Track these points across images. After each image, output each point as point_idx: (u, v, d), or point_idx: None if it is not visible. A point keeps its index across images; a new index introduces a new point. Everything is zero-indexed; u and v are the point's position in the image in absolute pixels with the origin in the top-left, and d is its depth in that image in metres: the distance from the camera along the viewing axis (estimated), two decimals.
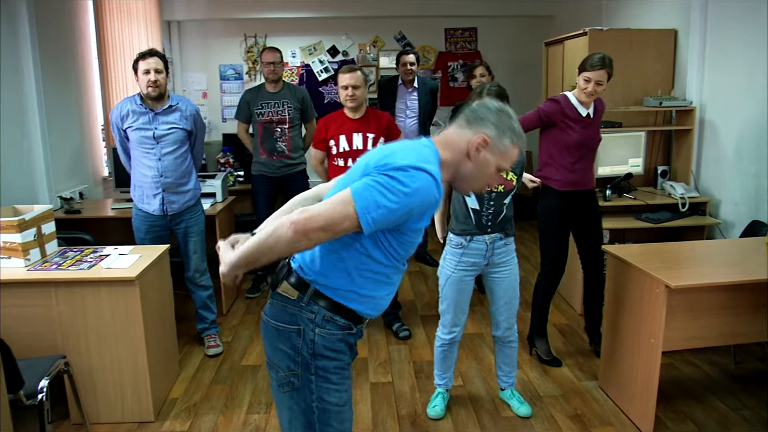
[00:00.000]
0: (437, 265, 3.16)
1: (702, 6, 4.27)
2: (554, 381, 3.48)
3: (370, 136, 3.77)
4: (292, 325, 1.72)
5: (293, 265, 1.77)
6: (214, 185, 4.50)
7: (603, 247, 3.31)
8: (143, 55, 3.51)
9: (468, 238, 2.91)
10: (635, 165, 4.50)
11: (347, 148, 3.79)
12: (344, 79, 3.72)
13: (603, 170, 4.44)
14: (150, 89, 3.51)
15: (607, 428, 3.00)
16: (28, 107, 4.08)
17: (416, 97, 5.23)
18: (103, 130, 5.18)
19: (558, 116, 3.40)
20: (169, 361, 3.47)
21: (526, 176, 3.45)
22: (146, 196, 3.70)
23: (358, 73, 3.74)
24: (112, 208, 4.37)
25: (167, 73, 3.60)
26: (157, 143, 3.59)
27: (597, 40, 4.57)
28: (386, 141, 3.77)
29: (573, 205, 3.53)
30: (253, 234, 1.67)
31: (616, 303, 3.18)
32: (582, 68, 3.33)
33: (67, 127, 4.59)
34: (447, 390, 3.24)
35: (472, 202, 2.88)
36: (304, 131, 4.88)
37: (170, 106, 3.62)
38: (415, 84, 5.23)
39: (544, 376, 3.54)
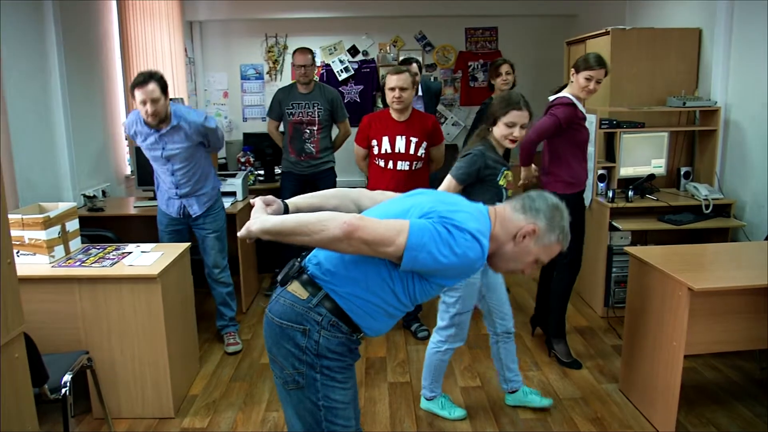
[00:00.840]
0: None
1: (728, 5, 4.21)
2: (574, 383, 3.45)
3: (414, 140, 3.74)
4: (298, 324, 1.72)
5: (308, 266, 1.78)
6: (235, 184, 4.53)
7: (626, 248, 3.29)
8: (138, 83, 3.33)
9: None
10: (658, 166, 4.45)
11: (389, 150, 3.77)
12: (392, 80, 3.66)
13: (625, 171, 4.39)
14: (149, 119, 3.43)
15: None
16: (54, 107, 4.14)
17: (422, 106, 5.17)
18: (125, 130, 5.23)
19: (573, 118, 3.40)
20: (189, 358, 3.50)
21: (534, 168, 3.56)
22: (166, 201, 3.79)
23: (406, 74, 3.66)
24: (135, 206, 4.42)
25: (166, 95, 3.42)
26: (168, 161, 3.63)
27: (620, 39, 4.52)
28: (429, 145, 3.76)
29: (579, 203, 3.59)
30: (285, 205, 1.74)
31: (637, 305, 3.14)
32: (584, 67, 3.37)
33: (90, 126, 4.66)
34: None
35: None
36: (335, 131, 4.90)
37: (173, 127, 3.52)
38: (419, 92, 5.12)
39: (563, 378, 3.51)
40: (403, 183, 3.70)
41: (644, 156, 4.41)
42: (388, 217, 1.65)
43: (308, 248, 1.80)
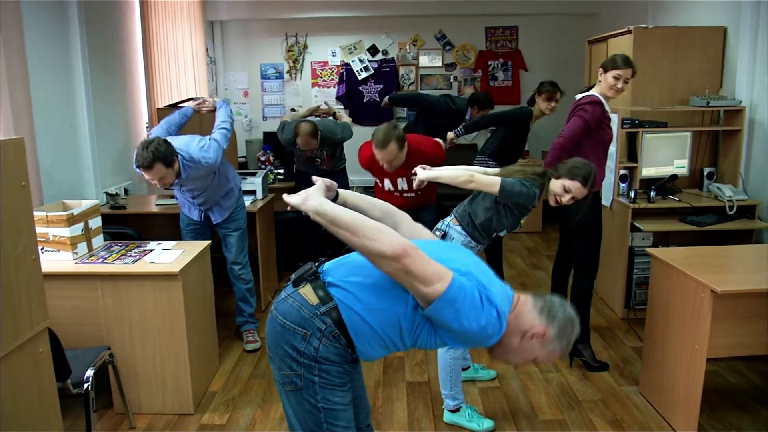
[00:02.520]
0: None
1: (754, 4, 4.13)
2: (594, 385, 3.42)
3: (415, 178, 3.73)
4: (301, 328, 1.72)
5: (326, 273, 1.78)
6: (255, 183, 4.55)
7: (647, 250, 3.26)
8: (143, 167, 3.21)
9: (479, 247, 2.98)
10: (680, 166, 4.39)
11: (391, 188, 3.82)
12: (378, 156, 3.52)
13: (647, 171, 4.34)
14: (160, 187, 3.40)
15: None
16: (78, 106, 4.20)
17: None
18: (147, 128, 5.29)
19: (601, 117, 3.36)
20: (209, 355, 3.53)
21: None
22: (189, 209, 3.85)
23: (392, 144, 3.44)
24: (156, 204, 4.46)
25: (173, 164, 3.28)
26: (186, 192, 3.69)
27: (642, 38, 4.47)
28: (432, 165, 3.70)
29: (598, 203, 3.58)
30: (337, 193, 1.81)
31: (658, 307, 3.10)
32: (612, 66, 3.36)
33: (113, 125, 4.72)
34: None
35: (503, 233, 2.94)
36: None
37: (185, 177, 3.46)
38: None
39: (583, 380, 3.48)
40: (410, 201, 3.80)
41: (667, 156, 4.35)
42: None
43: (330, 251, 1.80)
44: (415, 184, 3.06)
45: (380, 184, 3.88)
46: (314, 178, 1.82)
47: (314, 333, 1.71)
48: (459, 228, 2.93)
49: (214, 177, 3.67)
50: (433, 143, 3.81)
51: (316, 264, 1.81)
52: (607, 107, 3.42)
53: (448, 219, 2.99)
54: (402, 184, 3.78)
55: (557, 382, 3.46)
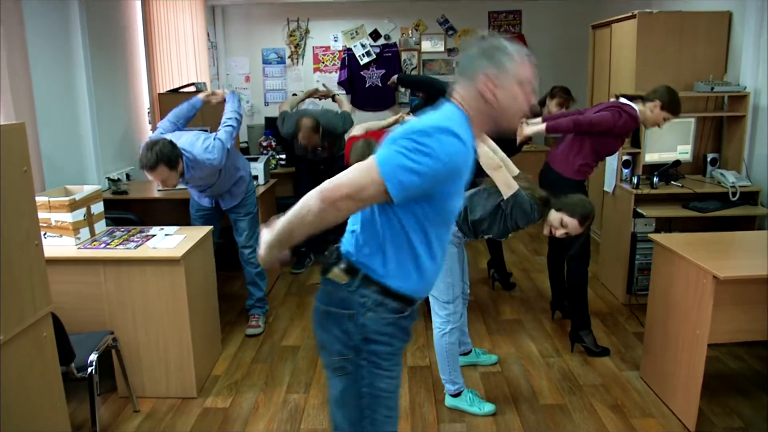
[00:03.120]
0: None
1: None
2: (595, 370, 3.43)
3: None
4: (344, 309, 1.71)
5: (342, 249, 1.76)
6: (257, 168, 4.55)
7: (650, 235, 3.25)
8: (146, 167, 3.19)
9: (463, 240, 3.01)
10: (684, 152, 4.37)
11: None
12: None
13: (650, 157, 4.32)
14: (163, 187, 3.39)
15: (648, 420, 2.95)
16: (78, 91, 4.19)
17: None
18: (149, 112, 5.28)
19: (627, 134, 3.50)
20: (211, 340, 3.54)
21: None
22: (199, 197, 3.86)
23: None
24: (158, 190, 4.44)
25: (176, 166, 3.25)
26: (193, 186, 3.69)
27: (646, 23, 4.43)
28: None
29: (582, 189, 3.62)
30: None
31: (660, 292, 3.11)
32: (670, 110, 3.41)
33: (115, 110, 4.70)
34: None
35: (488, 236, 2.93)
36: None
37: (189, 176, 3.45)
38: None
39: (584, 365, 3.50)
40: None
41: (670, 142, 4.33)
42: None
43: (332, 237, 1.79)
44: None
45: None
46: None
47: (358, 310, 1.69)
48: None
49: (220, 175, 3.66)
50: None
51: (336, 247, 1.79)
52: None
53: None
54: None
55: (558, 367, 3.47)
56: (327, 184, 1.52)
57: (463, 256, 3.20)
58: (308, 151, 4.79)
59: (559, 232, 2.78)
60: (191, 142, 3.42)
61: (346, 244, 1.75)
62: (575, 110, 3.80)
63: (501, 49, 1.61)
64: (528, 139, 3.68)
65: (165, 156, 3.18)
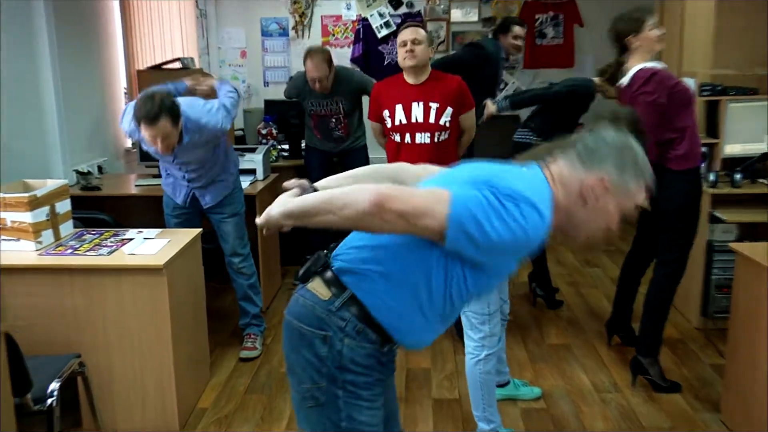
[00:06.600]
0: None
1: None
2: (662, 410, 3.36)
3: (434, 105, 3.61)
4: (319, 330, 1.72)
5: (335, 260, 1.76)
6: (255, 160, 4.54)
7: (731, 245, 3.21)
8: (145, 118, 3.16)
9: None
10: None
11: (404, 121, 3.66)
12: (403, 34, 3.62)
13: (731, 148, 4.25)
14: (162, 152, 3.35)
15: None
16: (41, 67, 4.20)
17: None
18: (126, 94, 5.29)
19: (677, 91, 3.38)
20: (198, 364, 3.53)
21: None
22: (172, 184, 3.84)
23: (420, 29, 3.65)
24: (136, 185, 4.46)
25: (178, 122, 3.28)
26: (181, 165, 3.68)
27: None
28: (456, 112, 3.66)
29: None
30: (314, 189, 1.73)
31: (744, 315, 3.05)
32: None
33: (85, 90, 4.72)
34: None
35: None
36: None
37: (186, 142, 3.48)
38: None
39: (648, 402, 3.43)
40: (425, 159, 3.61)
41: (756, 130, 4.25)
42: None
43: (337, 237, 1.77)
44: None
45: (390, 121, 3.72)
46: (285, 183, 1.78)
47: (334, 333, 1.70)
48: None
49: (216, 151, 3.68)
50: (461, 80, 3.77)
51: (325, 252, 1.80)
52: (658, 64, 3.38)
53: None
54: (417, 112, 3.64)
55: (617, 404, 3.41)
56: (388, 189, 1.55)
57: None
58: (321, 120, 4.77)
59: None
60: (189, 104, 3.47)
61: (341, 259, 1.75)
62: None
63: (636, 165, 1.67)
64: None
65: (168, 107, 3.18)
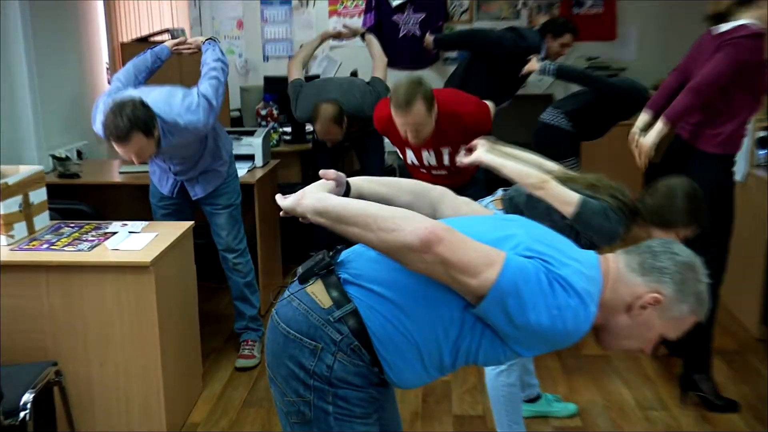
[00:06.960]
0: None
1: None
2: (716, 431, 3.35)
3: (446, 150, 3.67)
4: (309, 339, 1.72)
5: (341, 272, 1.78)
6: (253, 145, 4.54)
7: None
8: (117, 138, 3.17)
9: None
10: None
11: (416, 163, 3.82)
12: (399, 117, 3.42)
13: None
14: (137, 163, 3.42)
15: None
16: (11, 40, 4.19)
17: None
18: (108, 70, 5.29)
19: (761, 56, 3.31)
20: (189, 374, 3.54)
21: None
22: (161, 178, 3.86)
23: (418, 106, 3.34)
24: (120, 172, 4.47)
25: (153, 132, 3.25)
26: (164, 160, 3.71)
27: None
28: (469, 141, 3.60)
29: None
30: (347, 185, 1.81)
31: None
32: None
33: (62, 66, 4.72)
34: None
35: None
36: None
37: (165, 147, 3.46)
38: None
39: (701, 423, 3.41)
40: (440, 182, 3.66)
41: None
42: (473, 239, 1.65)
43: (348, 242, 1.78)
44: (464, 160, 2.89)
45: (402, 157, 3.88)
46: (322, 172, 1.83)
47: (327, 346, 1.71)
48: (501, 213, 2.88)
49: (205, 144, 3.68)
50: (475, 103, 3.72)
51: (331, 253, 1.79)
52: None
53: (489, 198, 2.98)
54: (429, 158, 3.73)
55: (663, 424, 3.40)
56: (444, 231, 1.56)
57: None
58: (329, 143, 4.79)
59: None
60: (166, 100, 3.41)
61: (351, 268, 1.78)
62: (675, 71, 3.67)
63: (698, 296, 1.70)
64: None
65: (140, 120, 3.16)
